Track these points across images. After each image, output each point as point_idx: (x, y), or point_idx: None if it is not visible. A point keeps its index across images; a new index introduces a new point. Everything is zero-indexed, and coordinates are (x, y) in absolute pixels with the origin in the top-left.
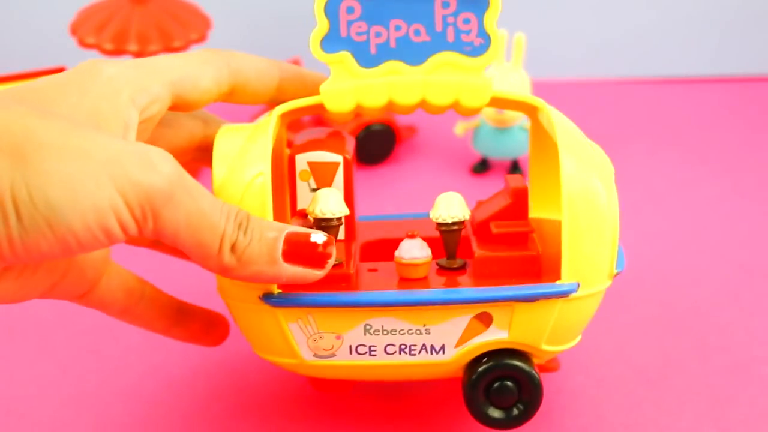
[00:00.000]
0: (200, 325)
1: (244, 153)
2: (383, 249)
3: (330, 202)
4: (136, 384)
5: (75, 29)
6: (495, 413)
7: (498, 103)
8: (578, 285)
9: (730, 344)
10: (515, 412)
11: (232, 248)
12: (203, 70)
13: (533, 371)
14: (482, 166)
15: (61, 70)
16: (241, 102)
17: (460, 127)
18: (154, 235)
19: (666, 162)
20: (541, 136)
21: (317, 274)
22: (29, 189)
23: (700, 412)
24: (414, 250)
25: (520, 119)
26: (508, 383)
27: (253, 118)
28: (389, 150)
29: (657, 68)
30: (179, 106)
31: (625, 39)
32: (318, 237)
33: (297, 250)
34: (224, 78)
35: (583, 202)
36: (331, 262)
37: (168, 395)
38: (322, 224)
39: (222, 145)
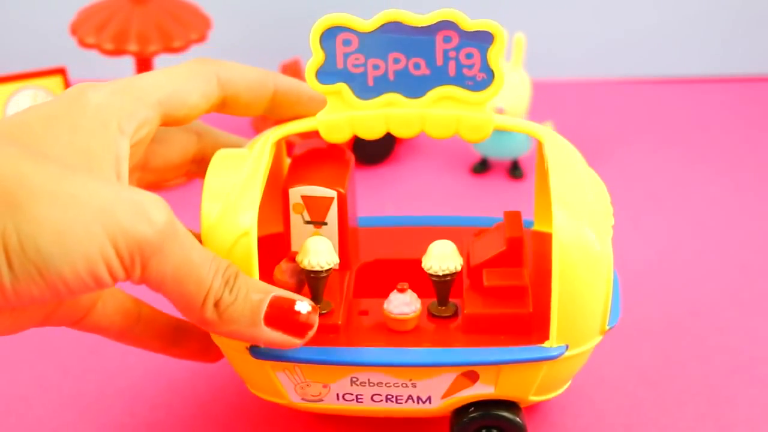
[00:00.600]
0: (198, 344)
1: (235, 200)
2: (379, 274)
3: (320, 254)
4: (136, 384)
5: (75, 29)
6: None
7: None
8: (566, 347)
9: (730, 344)
10: None
11: (216, 304)
12: (191, 85)
13: (519, 420)
14: (482, 166)
15: (61, 70)
16: (233, 114)
17: None
18: (140, 283)
19: (666, 162)
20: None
21: (296, 342)
22: (20, 237)
23: (700, 412)
24: (403, 307)
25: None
26: (495, 431)
27: (252, 124)
28: (389, 150)
29: (658, 68)
30: (170, 123)
31: (626, 39)
32: (303, 306)
33: (280, 316)
34: (213, 91)
35: (576, 258)
36: (311, 332)
37: (168, 395)
38: (311, 274)
39: (213, 179)
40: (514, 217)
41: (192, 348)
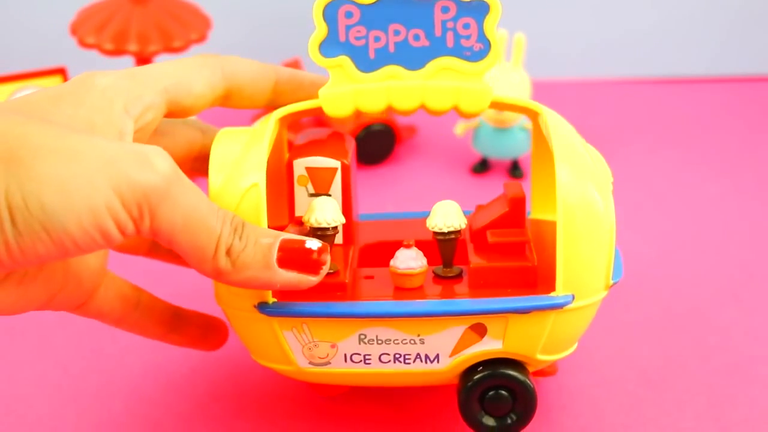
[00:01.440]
0: (198, 330)
1: (241, 161)
2: (382, 252)
3: (326, 211)
4: (136, 384)
5: (75, 29)
6: (489, 421)
7: (498, 106)
8: (573, 297)
9: (730, 344)
10: (509, 420)
11: (228, 252)
12: (197, 75)
13: (527, 381)
14: (482, 166)
15: (61, 70)
16: (237, 106)
17: (460, 128)
18: (150, 235)
19: (666, 162)
20: (542, 138)
21: (312, 280)
22: (23, 194)
23: (700, 412)
24: (409, 261)
25: (520, 119)
26: (503, 392)
27: (253, 120)
28: (389, 150)
29: (657, 68)
30: (175, 113)
31: (625, 39)
32: (313, 243)
33: (292, 256)
34: (218, 82)
35: (579, 211)
36: (326, 268)
37: (168, 395)
38: (317, 233)
39: (219, 151)
40: (514, 185)
41: (191, 334)
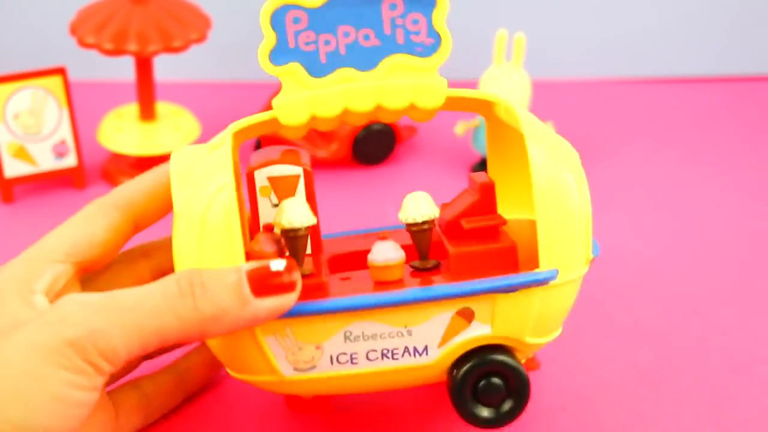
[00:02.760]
0: (205, 369)
1: (204, 167)
2: (351, 261)
3: (296, 212)
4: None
5: (75, 29)
6: (485, 412)
7: (453, 102)
8: (557, 272)
9: (730, 344)
10: (505, 409)
11: (197, 310)
12: (92, 227)
13: (518, 365)
14: (482, 166)
15: (61, 70)
16: (156, 220)
17: (460, 127)
18: (127, 358)
19: (666, 162)
20: (498, 134)
21: (291, 297)
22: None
23: (700, 412)
24: (388, 252)
25: None
26: (495, 379)
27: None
28: (389, 150)
29: (658, 68)
30: (90, 267)
31: (626, 39)
32: (278, 264)
33: (263, 282)
34: (117, 221)
35: (555, 188)
36: (299, 284)
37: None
38: (290, 234)
39: (178, 166)
40: (479, 175)
41: (202, 372)
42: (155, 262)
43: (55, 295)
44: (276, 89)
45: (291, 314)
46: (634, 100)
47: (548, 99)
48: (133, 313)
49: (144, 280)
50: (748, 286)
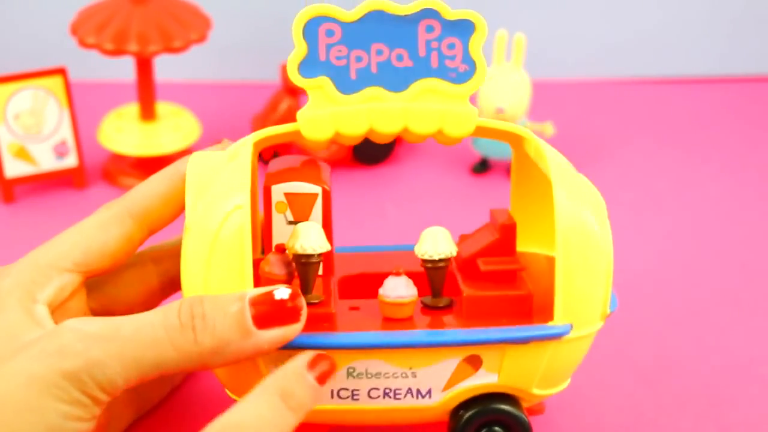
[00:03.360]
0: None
1: (222, 183)
2: (363, 284)
3: (311, 238)
4: None
5: (75, 29)
6: None
7: (483, 132)
8: (571, 326)
9: (730, 344)
10: None
11: (196, 342)
12: (105, 235)
13: (522, 415)
14: (482, 166)
15: (61, 70)
16: (165, 225)
17: None
18: (126, 387)
19: (666, 162)
20: (524, 167)
21: (296, 328)
22: None
23: (700, 412)
24: (399, 289)
25: (520, 119)
26: (497, 429)
27: (253, 122)
28: (389, 150)
29: (658, 68)
30: (98, 274)
31: (626, 39)
32: (282, 293)
33: (266, 312)
34: (130, 229)
35: (578, 237)
36: (304, 312)
37: (167, 395)
38: (302, 260)
39: (195, 174)
40: (501, 212)
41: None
42: (164, 268)
43: (58, 305)
44: (276, 89)
45: (295, 346)
46: (634, 100)
47: (548, 99)
48: (132, 343)
49: (152, 285)
50: (747, 286)
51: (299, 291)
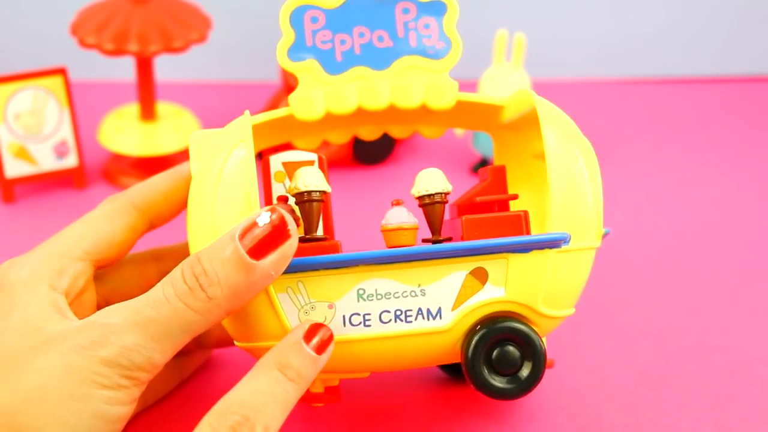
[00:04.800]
0: (200, 363)
1: (223, 134)
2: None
3: (311, 177)
4: None
5: (75, 29)
6: (500, 382)
7: (463, 105)
8: (569, 236)
9: (729, 344)
10: (521, 378)
11: (208, 296)
12: (112, 226)
13: (531, 331)
14: (482, 166)
15: (61, 70)
16: (168, 220)
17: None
18: (170, 360)
19: (666, 162)
20: (507, 149)
21: (291, 244)
22: None
23: (700, 412)
24: (401, 216)
25: None
26: (509, 347)
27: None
28: (389, 150)
29: (658, 68)
30: (106, 265)
31: (626, 39)
32: (264, 217)
33: (258, 243)
34: (135, 221)
35: (567, 159)
36: (292, 225)
37: (167, 394)
38: (304, 197)
39: (197, 143)
40: (488, 167)
41: (198, 357)
42: (164, 266)
43: (75, 296)
44: (276, 89)
45: (304, 267)
46: (634, 100)
47: (548, 99)
48: (157, 321)
49: (152, 282)
50: (748, 286)
51: (277, 208)
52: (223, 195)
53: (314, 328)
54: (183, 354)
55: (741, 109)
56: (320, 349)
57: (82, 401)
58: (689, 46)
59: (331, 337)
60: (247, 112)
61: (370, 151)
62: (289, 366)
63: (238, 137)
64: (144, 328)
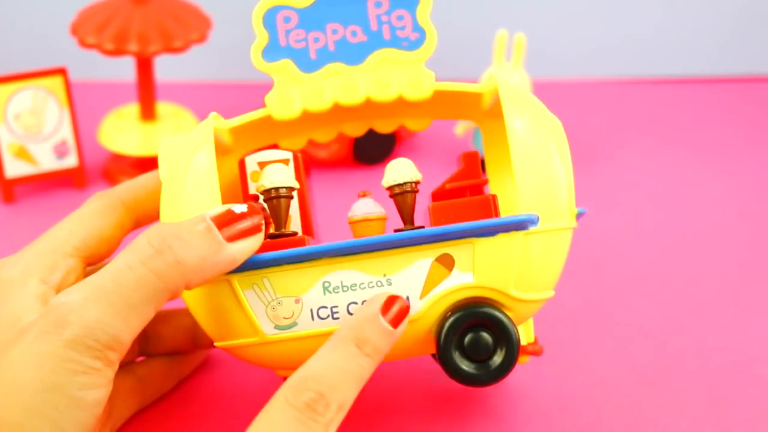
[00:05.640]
0: (197, 362)
1: (187, 138)
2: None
3: (277, 174)
4: None
5: (75, 29)
6: (470, 368)
7: (442, 95)
8: (537, 217)
9: (729, 344)
10: (492, 365)
11: (177, 263)
12: (101, 222)
13: (503, 316)
14: (482, 165)
15: (61, 70)
16: (153, 221)
17: (460, 127)
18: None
19: (666, 162)
20: (492, 136)
21: (260, 237)
22: None
23: (700, 412)
24: (367, 206)
25: None
26: (482, 333)
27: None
28: (389, 150)
29: (658, 68)
30: (95, 261)
31: (626, 39)
32: (240, 207)
33: (228, 226)
34: (123, 218)
35: (534, 141)
36: (262, 221)
37: (167, 394)
38: (271, 194)
39: (166, 149)
40: (463, 152)
41: (194, 356)
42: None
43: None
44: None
45: (268, 263)
46: (634, 100)
47: (548, 99)
48: (118, 293)
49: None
50: (748, 286)
51: (252, 204)
52: (188, 197)
53: (390, 300)
54: (181, 353)
55: (741, 109)
56: (396, 321)
57: (56, 391)
58: (689, 46)
59: (407, 309)
60: (212, 114)
61: (370, 151)
62: (366, 341)
63: (200, 140)
64: (105, 301)
